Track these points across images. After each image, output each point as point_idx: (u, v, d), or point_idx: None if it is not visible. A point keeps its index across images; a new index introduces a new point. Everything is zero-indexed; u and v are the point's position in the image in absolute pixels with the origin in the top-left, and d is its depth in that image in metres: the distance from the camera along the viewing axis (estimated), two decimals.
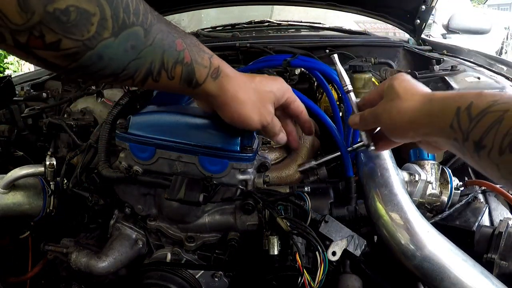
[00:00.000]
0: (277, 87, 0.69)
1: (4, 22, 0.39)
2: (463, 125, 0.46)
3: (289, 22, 1.97)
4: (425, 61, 1.39)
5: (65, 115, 1.13)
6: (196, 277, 0.82)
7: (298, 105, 0.74)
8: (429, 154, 0.90)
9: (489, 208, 0.91)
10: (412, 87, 0.59)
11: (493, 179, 0.45)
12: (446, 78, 1.22)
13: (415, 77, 1.28)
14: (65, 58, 0.44)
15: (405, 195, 0.74)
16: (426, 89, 0.59)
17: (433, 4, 1.51)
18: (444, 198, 0.87)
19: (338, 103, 0.97)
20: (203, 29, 1.90)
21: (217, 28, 1.95)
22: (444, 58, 1.43)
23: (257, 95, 0.65)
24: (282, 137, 0.73)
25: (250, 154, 0.76)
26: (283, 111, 0.74)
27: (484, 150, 0.43)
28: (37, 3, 0.39)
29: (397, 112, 0.58)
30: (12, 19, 0.39)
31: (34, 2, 0.39)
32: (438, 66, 1.28)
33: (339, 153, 0.84)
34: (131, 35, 0.47)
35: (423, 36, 1.67)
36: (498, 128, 0.41)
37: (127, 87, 1.13)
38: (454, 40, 3.18)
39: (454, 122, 0.47)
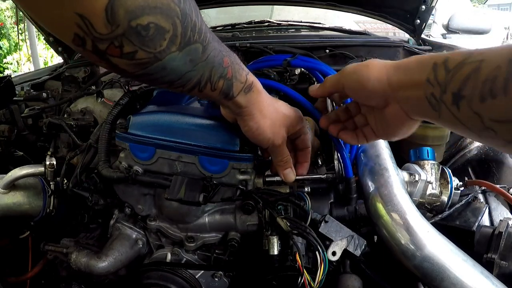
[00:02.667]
0: (294, 115, 0.73)
1: (89, 30, 0.43)
2: (440, 77, 0.46)
3: (289, 22, 1.96)
4: None
5: (65, 115, 1.13)
6: (196, 277, 0.82)
7: (307, 140, 0.77)
8: (429, 154, 0.90)
9: (489, 208, 0.91)
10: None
11: (473, 131, 0.44)
12: None
13: None
14: (136, 66, 0.49)
15: (405, 195, 0.74)
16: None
17: (433, 4, 1.51)
18: (444, 198, 0.87)
19: None
20: None
21: (217, 28, 1.95)
22: None
23: (275, 115, 0.70)
24: (289, 173, 0.75)
25: (250, 154, 0.76)
26: (291, 143, 0.77)
27: (463, 100, 0.42)
28: (123, 18, 0.43)
29: (367, 67, 0.57)
30: (98, 28, 0.43)
31: (121, 16, 0.42)
32: None
33: (319, 175, 0.82)
34: (192, 51, 0.52)
35: (423, 36, 1.67)
36: (477, 76, 0.41)
37: (127, 87, 1.13)
38: (454, 40, 3.18)
39: (431, 76, 0.47)
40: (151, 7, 0.44)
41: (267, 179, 0.80)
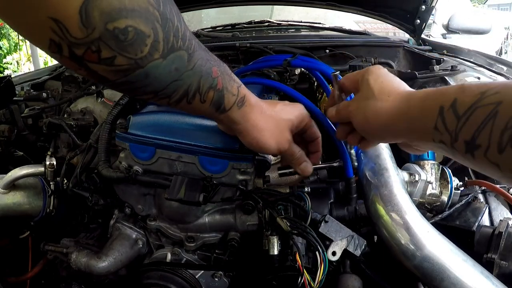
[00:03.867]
0: (295, 115, 0.71)
1: (64, 34, 0.41)
2: (449, 125, 0.42)
3: (289, 22, 1.96)
4: (425, 61, 1.39)
5: (65, 115, 1.14)
6: (196, 277, 0.82)
7: (315, 132, 0.76)
8: (429, 154, 0.90)
9: (489, 208, 0.90)
10: (388, 85, 0.57)
11: (494, 177, 0.42)
12: (446, 78, 1.23)
13: (415, 77, 1.29)
14: (116, 73, 0.47)
15: (405, 195, 0.74)
16: (402, 87, 0.57)
17: (433, 4, 1.51)
18: (444, 198, 0.87)
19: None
20: (203, 29, 1.90)
21: (217, 28, 1.95)
22: (444, 58, 1.42)
23: (275, 123, 0.68)
24: (306, 166, 0.74)
25: (250, 154, 0.76)
26: (300, 136, 0.76)
27: (479, 150, 0.39)
28: (99, 20, 0.41)
29: (372, 113, 0.57)
30: (73, 32, 0.41)
31: (96, 19, 0.41)
32: (438, 66, 1.28)
33: (332, 163, 0.83)
34: (177, 58, 0.49)
35: (423, 36, 1.67)
36: (493, 123, 0.36)
37: None
38: (454, 40, 3.18)
39: (439, 123, 0.43)
40: (128, 10, 0.42)
41: (279, 171, 0.79)
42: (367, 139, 0.65)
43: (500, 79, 1.26)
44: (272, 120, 0.68)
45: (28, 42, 5.54)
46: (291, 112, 0.71)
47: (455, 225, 0.86)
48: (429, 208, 0.88)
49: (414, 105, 0.50)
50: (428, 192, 0.86)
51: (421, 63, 1.42)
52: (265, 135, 0.66)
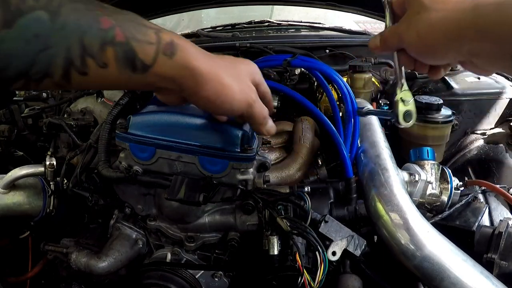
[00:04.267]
0: (250, 67, 0.61)
1: None
2: None
3: (289, 22, 1.97)
4: None
5: (65, 115, 1.14)
6: (196, 277, 0.82)
7: (266, 86, 0.66)
8: (429, 154, 0.90)
9: (489, 208, 0.91)
10: None
11: None
12: (446, 78, 1.23)
13: (415, 77, 1.29)
14: None
15: (405, 195, 0.74)
16: None
17: None
18: (444, 198, 0.87)
19: (338, 103, 0.97)
20: (203, 29, 1.90)
21: (217, 28, 1.95)
22: None
23: (234, 71, 0.55)
24: (272, 126, 0.64)
25: (250, 154, 0.76)
26: None
27: None
28: None
29: (426, 28, 0.46)
30: None
31: None
32: None
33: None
34: (32, 22, 0.38)
35: None
36: None
37: None
38: None
39: None
40: None
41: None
42: (432, 64, 0.53)
43: (500, 79, 1.26)
44: (230, 67, 0.55)
45: None
46: (246, 62, 0.61)
47: (455, 225, 0.86)
48: (429, 208, 0.88)
49: (485, 14, 0.39)
50: (428, 192, 0.86)
51: None
52: (226, 84, 0.53)
